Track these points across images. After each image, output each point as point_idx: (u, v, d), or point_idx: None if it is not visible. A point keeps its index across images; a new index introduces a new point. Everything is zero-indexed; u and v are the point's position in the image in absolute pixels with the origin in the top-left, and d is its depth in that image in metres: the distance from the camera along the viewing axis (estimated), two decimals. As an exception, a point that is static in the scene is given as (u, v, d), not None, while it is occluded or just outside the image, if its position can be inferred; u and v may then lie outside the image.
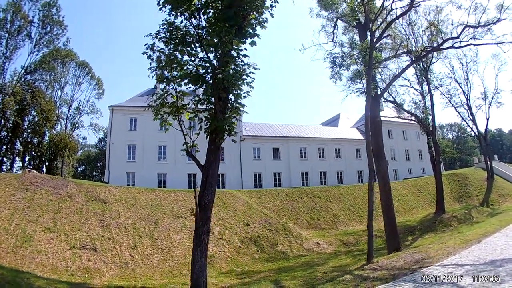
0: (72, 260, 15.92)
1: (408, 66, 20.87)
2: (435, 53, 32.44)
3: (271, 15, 9.99)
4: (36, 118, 40.77)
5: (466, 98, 38.72)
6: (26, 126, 41.23)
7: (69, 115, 46.04)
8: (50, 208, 18.98)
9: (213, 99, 9.44)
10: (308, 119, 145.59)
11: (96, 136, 50.15)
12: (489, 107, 39.50)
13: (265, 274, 18.50)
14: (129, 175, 34.14)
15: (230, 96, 9.55)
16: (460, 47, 22.12)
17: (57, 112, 43.89)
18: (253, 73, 9.43)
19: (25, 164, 42.04)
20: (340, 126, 50.42)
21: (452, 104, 38.04)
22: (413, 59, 21.40)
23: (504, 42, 20.13)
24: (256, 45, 9.81)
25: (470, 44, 21.44)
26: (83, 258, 16.20)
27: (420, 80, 32.40)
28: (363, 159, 43.91)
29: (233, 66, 9.38)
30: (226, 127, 9.20)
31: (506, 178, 41.17)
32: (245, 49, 9.55)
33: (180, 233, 21.34)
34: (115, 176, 33.35)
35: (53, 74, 42.49)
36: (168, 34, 9.50)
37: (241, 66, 9.45)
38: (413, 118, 31.74)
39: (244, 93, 9.47)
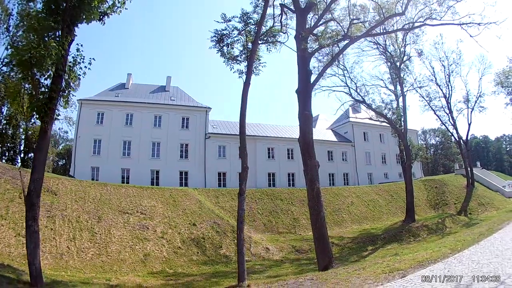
0: (15, 247, 16.14)
1: (341, 51, 18.02)
2: (411, 50, 30.84)
3: None
4: (12, 109, 40.22)
5: (447, 102, 37.07)
6: (2, 117, 40.79)
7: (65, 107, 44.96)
8: (6, 197, 19.06)
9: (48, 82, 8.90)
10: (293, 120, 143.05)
11: (70, 130, 49.66)
12: (471, 112, 37.62)
13: (193, 278, 18.01)
14: (94, 170, 33.33)
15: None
16: (412, 28, 19.42)
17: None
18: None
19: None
20: (318, 127, 48.71)
21: (431, 107, 36.49)
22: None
23: (469, 24, 16.96)
24: (104, 23, 9.73)
25: (425, 25, 18.71)
26: (25, 245, 16.50)
27: (394, 80, 30.87)
28: (335, 161, 42.70)
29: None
30: (45, 110, 8.79)
31: (488, 186, 39.23)
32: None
33: (121, 229, 20.78)
34: (81, 170, 32.70)
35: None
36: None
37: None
38: (383, 119, 30.24)
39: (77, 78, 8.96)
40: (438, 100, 37.41)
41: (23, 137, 43.19)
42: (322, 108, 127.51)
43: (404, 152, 29.99)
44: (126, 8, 10.40)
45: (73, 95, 9.90)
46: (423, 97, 36.41)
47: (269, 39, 14.90)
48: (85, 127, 34.33)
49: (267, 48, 15.40)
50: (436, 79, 36.76)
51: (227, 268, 19.86)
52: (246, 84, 12.69)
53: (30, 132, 43.06)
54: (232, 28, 14.13)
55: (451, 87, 37.00)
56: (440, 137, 62.86)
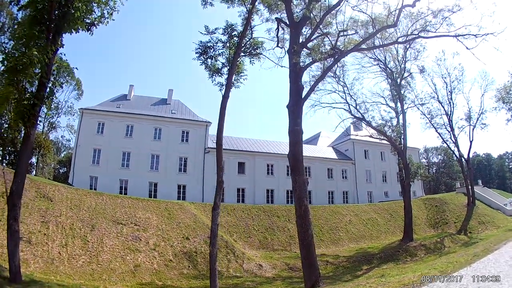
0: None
1: (331, 65, 17.59)
2: (411, 66, 30.68)
3: None
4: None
5: (449, 119, 36.79)
6: (2, 120, 41.16)
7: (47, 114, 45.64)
8: (1, 199, 18.92)
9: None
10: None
11: (72, 138, 50.37)
12: (473, 129, 37.21)
13: None
14: (92, 179, 33.48)
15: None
16: (406, 41, 18.97)
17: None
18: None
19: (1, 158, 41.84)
20: (319, 144, 48.88)
21: (433, 125, 36.30)
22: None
23: (465, 35, 16.24)
24: (92, 33, 10.13)
25: (419, 37, 18.18)
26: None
27: (395, 97, 30.73)
28: (335, 179, 42.45)
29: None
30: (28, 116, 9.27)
31: (489, 204, 38.55)
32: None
33: (114, 239, 20.79)
34: (79, 179, 32.81)
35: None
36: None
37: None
38: (382, 137, 29.99)
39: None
40: (440, 117, 37.21)
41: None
42: (324, 126, 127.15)
43: (403, 170, 29.64)
44: (113, 19, 10.89)
45: (52, 100, 10.10)
46: (424, 114, 36.37)
47: (252, 51, 14.86)
48: (86, 136, 34.58)
49: (250, 61, 15.38)
50: (438, 96, 36.67)
51: (217, 283, 19.63)
52: (225, 98, 12.71)
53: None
54: (216, 40, 14.16)
55: (453, 104, 36.87)
56: (443, 155, 62.13)
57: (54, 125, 46.36)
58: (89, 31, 10.69)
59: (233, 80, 14.07)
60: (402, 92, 30.21)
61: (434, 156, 72.63)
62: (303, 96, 15.00)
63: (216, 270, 10.20)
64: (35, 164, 47.47)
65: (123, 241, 20.75)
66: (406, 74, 30.07)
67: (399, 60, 29.69)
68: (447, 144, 38.45)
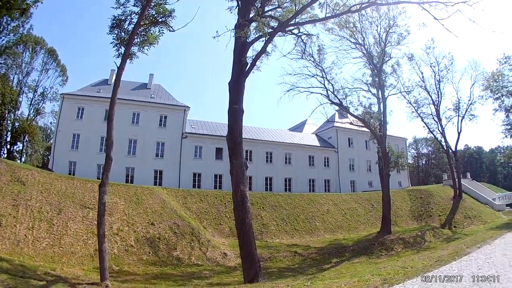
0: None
1: (271, 38, 15.52)
2: (396, 51, 29.57)
3: None
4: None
5: (436, 109, 35.73)
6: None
7: (34, 101, 45.56)
8: None
9: None
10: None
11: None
12: (461, 120, 36.14)
13: (134, 277, 17.70)
14: (72, 164, 33.14)
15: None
16: (360, 9, 17.06)
17: (20, 97, 43.47)
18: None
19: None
20: (304, 131, 48.10)
21: (419, 114, 35.27)
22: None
23: (432, 2, 14.19)
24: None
25: (375, 4, 16.85)
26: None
27: (376, 84, 29.66)
28: (316, 167, 41.56)
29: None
30: None
31: (477, 198, 37.50)
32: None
33: (79, 223, 20.78)
34: (59, 164, 32.53)
35: (13, 59, 41.89)
36: None
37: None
38: (361, 123, 29.07)
39: None
40: (427, 107, 36.31)
41: (9, 128, 43.68)
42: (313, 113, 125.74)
43: (382, 159, 28.77)
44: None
45: None
46: (410, 103, 35.43)
47: (159, 19, 14.09)
48: (66, 121, 34.21)
49: (159, 30, 14.63)
50: (425, 84, 35.71)
51: (174, 270, 19.20)
52: (120, 69, 12.19)
53: (17, 124, 43.71)
54: (130, 13, 13.46)
55: (441, 93, 35.85)
56: (433, 147, 60.84)
57: (39, 111, 46.21)
58: (23, 15, 11.09)
59: (134, 51, 13.55)
60: (384, 78, 29.17)
61: (423, 147, 71.85)
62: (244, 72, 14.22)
63: (104, 252, 9.79)
64: (21, 151, 47.43)
65: (88, 225, 20.64)
66: (388, 59, 29.04)
67: (380, 45, 28.64)
68: (433, 134, 37.43)
